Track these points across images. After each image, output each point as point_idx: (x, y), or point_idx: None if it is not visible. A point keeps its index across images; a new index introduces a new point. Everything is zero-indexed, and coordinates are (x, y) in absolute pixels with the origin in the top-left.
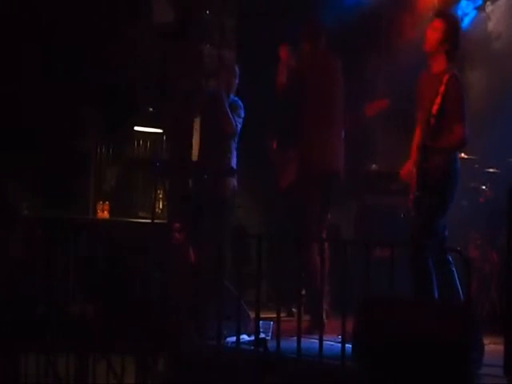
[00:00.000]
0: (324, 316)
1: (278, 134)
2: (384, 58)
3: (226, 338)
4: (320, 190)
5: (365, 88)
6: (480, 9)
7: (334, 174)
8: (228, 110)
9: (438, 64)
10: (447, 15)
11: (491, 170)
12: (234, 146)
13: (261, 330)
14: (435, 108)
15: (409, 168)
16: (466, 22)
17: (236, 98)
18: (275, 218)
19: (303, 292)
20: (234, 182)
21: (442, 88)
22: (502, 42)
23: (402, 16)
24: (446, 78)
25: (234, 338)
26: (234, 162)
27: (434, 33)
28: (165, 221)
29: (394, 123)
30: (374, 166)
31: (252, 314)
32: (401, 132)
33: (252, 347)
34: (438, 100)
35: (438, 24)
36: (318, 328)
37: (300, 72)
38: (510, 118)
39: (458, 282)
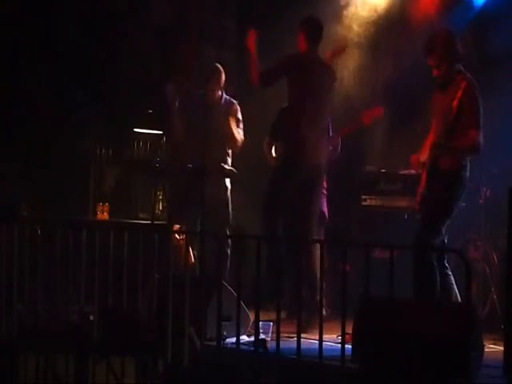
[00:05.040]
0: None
1: (276, 139)
2: (383, 59)
3: (225, 339)
4: (295, 179)
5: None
6: None
7: (312, 167)
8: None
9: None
10: (434, 49)
11: (491, 170)
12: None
13: (260, 330)
14: (452, 112)
15: (418, 157)
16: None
17: (229, 101)
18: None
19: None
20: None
21: (460, 93)
22: None
23: (401, 19)
24: (463, 83)
25: (233, 339)
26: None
27: (438, 71)
28: (165, 222)
29: (392, 124)
30: (371, 167)
31: (252, 315)
32: (399, 133)
33: (252, 348)
34: (455, 104)
35: (434, 62)
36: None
37: (295, 68)
38: (510, 118)
39: (455, 285)
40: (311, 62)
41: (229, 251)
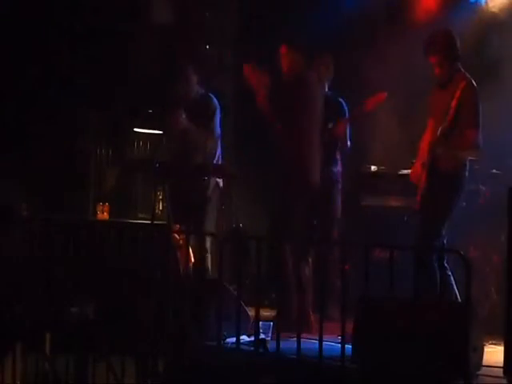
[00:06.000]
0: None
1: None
2: (382, 55)
3: (225, 339)
4: (301, 199)
5: (363, 86)
6: None
7: (312, 187)
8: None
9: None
10: (435, 47)
11: (491, 170)
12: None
13: (260, 330)
14: (450, 112)
15: (417, 170)
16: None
17: (205, 95)
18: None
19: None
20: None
21: (458, 93)
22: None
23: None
24: (462, 83)
25: (233, 339)
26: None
27: (439, 69)
28: (164, 222)
29: (392, 124)
30: (371, 167)
31: (252, 315)
32: (399, 133)
33: (252, 348)
34: (454, 104)
35: (435, 59)
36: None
37: (284, 87)
38: (510, 118)
39: (455, 285)
40: (310, 80)
41: (208, 246)
